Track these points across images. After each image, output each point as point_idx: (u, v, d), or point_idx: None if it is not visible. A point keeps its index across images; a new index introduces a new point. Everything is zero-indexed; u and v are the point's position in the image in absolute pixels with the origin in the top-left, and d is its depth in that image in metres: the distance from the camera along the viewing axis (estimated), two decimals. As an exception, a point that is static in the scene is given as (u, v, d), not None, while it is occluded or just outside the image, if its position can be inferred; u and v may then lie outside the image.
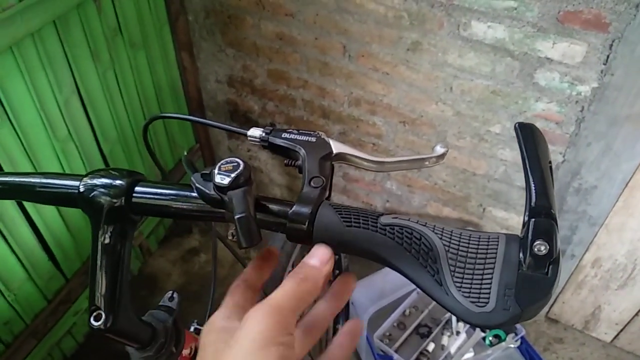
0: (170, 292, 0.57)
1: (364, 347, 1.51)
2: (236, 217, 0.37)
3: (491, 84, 1.28)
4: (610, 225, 1.41)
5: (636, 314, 1.58)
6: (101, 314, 0.45)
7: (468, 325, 1.51)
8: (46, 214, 1.35)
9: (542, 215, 0.35)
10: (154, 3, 1.54)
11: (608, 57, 1.12)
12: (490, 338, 1.54)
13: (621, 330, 1.65)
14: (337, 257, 1.55)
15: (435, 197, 1.64)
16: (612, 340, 1.70)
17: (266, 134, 0.48)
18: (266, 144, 0.48)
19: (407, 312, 1.55)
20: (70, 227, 1.44)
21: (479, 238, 0.37)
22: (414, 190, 1.68)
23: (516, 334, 1.54)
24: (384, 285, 1.50)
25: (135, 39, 1.50)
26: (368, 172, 1.73)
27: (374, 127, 1.57)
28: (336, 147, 0.46)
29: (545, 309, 1.73)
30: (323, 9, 1.38)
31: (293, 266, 1.07)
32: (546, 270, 0.35)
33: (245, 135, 0.49)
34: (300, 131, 0.48)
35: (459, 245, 0.37)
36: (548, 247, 0.34)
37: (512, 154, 1.38)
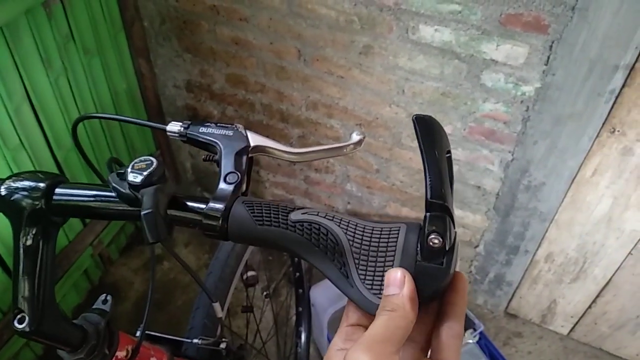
0: (104, 295, 0.57)
1: (325, 347, 1.52)
2: (142, 213, 0.37)
3: (441, 86, 1.32)
4: (560, 221, 1.46)
5: (589, 307, 1.63)
6: (25, 317, 0.45)
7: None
8: (-2, 225, 1.32)
9: (436, 209, 0.36)
10: (108, 9, 1.53)
11: (549, 57, 1.16)
12: (450, 334, 1.56)
13: (576, 323, 1.70)
14: (295, 260, 1.53)
15: (394, 197, 1.67)
16: (568, 333, 1.75)
17: (184, 128, 0.48)
18: (185, 139, 0.49)
19: (369, 312, 1.57)
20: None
21: (381, 230, 0.39)
22: (373, 192, 1.70)
23: (475, 330, 1.57)
24: (344, 286, 1.52)
25: (89, 45, 1.49)
26: (329, 175, 1.75)
27: (332, 130, 1.59)
28: (253, 139, 0.47)
29: (504, 304, 1.77)
30: (276, 14, 1.39)
31: (247, 268, 1.07)
32: (442, 261, 0.36)
33: (165, 130, 0.49)
34: (219, 124, 0.48)
35: (362, 238, 0.38)
36: (441, 240, 0.36)
37: (464, 153, 1.42)
